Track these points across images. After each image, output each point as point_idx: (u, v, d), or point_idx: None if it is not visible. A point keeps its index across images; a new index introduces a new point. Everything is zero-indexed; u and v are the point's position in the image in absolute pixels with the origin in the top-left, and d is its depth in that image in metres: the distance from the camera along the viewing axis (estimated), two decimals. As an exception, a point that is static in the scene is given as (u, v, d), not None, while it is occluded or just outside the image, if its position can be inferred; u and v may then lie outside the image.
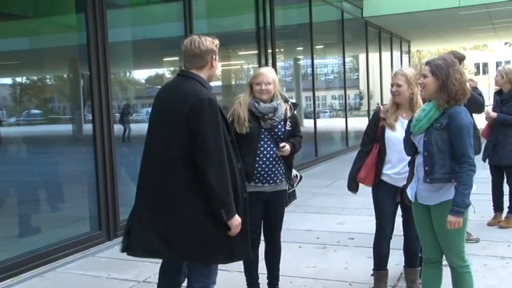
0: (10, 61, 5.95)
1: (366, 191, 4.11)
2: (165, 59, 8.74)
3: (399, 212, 4.03)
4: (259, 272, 4.05)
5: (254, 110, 3.78)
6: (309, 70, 12.52)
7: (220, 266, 3.33)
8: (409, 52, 23.01)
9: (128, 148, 7.12)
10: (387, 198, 3.94)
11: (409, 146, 3.45)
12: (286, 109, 3.87)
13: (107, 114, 5.97)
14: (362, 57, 16.83)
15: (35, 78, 6.52)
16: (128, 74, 7.99)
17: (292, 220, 6.05)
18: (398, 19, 15.28)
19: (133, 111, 7.59)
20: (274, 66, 9.84)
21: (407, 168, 3.63)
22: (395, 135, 3.81)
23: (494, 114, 5.84)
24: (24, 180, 5.79)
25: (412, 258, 4.11)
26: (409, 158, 3.57)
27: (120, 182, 6.20)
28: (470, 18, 15.78)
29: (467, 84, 3.36)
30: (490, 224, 6.08)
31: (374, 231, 4.08)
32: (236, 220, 3.00)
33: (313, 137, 12.09)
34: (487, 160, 6.02)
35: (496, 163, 5.98)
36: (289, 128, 3.87)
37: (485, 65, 55.08)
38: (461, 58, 5.01)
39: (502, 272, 4.63)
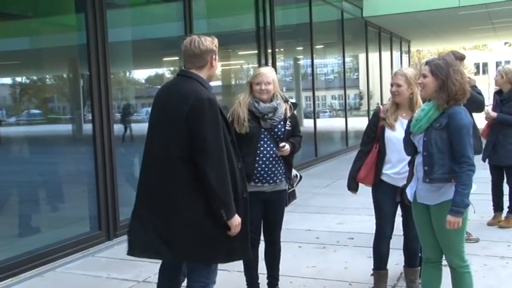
0: (10, 61, 5.94)
1: (365, 191, 4.11)
2: (165, 59, 8.74)
3: (399, 211, 4.03)
4: (259, 271, 4.05)
5: (254, 110, 3.78)
6: (309, 70, 12.52)
7: (220, 266, 3.33)
8: (409, 52, 23.01)
9: (128, 148, 7.11)
10: (387, 198, 3.94)
11: (409, 146, 3.45)
12: (286, 109, 3.87)
13: (107, 114, 5.98)
14: (362, 57, 16.83)
15: (34, 78, 6.52)
16: (127, 74, 7.99)
17: (292, 220, 6.05)
18: (398, 19, 15.28)
19: (133, 111, 7.59)
20: (274, 66, 9.83)
21: (407, 168, 3.64)
22: (395, 135, 3.81)
23: (494, 114, 5.84)
24: (24, 180, 5.79)
25: (411, 258, 4.12)
26: (408, 157, 3.57)
27: (120, 182, 6.21)
28: (470, 18, 15.78)
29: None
30: (489, 224, 6.09)
31: (374, 231, 4.08)
32: (236, 220, 3.00)
33: (313, 137, 12.09)
34: (487, 160, 6.02)
35: (496, 163, 5.98)
36: (289, 128, 3.87)
37: (485, 64, 55.09)
38: (461, 58, 5.02)
39: (501, 272, 4.63)
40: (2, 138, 5.73)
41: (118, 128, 6.61)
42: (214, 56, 3.13)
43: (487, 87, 36.17)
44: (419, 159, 3.32)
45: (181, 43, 3.14)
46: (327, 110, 15.08)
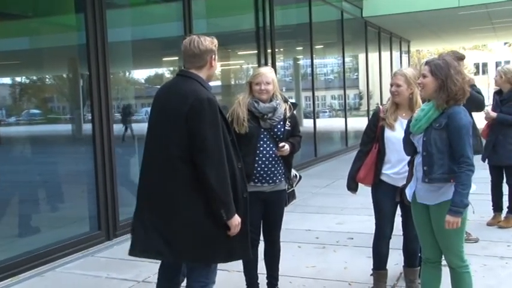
0: (10, 61, 5.94)
1: (365, 191, 4.11)
2: (164, 59, 8.74)
3: (399, 211, 4.03)
4: (258, 271, 4.05)
5: (253, 110, 3.78)
6: (309, 70, 12.52)
7: (219, 266, 3.33)
8: (408, 52, 23.02)
9: (128, 148, 7.11)
10: (386, 198, 3.94)
11: (409, 146, 3.45)
12: (285, 109, 3.87)
13: (106, 114, 5.97)
14: (361, 57, 16.83)
15: (34, 78, 6.52)
16: (127, 74, 7.99)
17: (292, 220, 6.05)
18: (397, 19, 15.28)
19: (133, 111, 7.59)
20: (273, 66, 9.84)
21: (406, 168, 3.63)
22: (394, 135, 3.81)
23: (494, 114, 5.84)
24: (24, 180, 5.78)
25: (411, 258, 4.11)
26: (408, 157, 3.57)
27: (120, 182, 6.21)
28: (469, 18, 15.79)
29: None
30: (489, 224, 6.09)
31: (373, 231, 4.08)
32: (236, 220, 3.00)
33: (313, 137, 12.10)
34: (487, 160, 6.02)
35: (496, 163, 5.98)
36: (289, 128, 3.87)
37: (484, 65, 55.11)
38: (460, 58, 5.02)
39: (501, 272, 4.63)
40: (2, 138, 5.72)
41: (118, 128, 6.61)
42: (213, 56, 3.13)
43: (487, 87, 36.20)
44: (418, 159, 3.32)
45: (181, 43, 3.14)
46: (327, 110, 15.08)
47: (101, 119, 5.93)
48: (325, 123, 14.16)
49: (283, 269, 4.17)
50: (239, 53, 10.84)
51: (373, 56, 17.31)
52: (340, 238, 5.81)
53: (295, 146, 3.90)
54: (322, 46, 13.91)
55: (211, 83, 3.27)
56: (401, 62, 20.92)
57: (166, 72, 8.72)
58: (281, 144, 3.78)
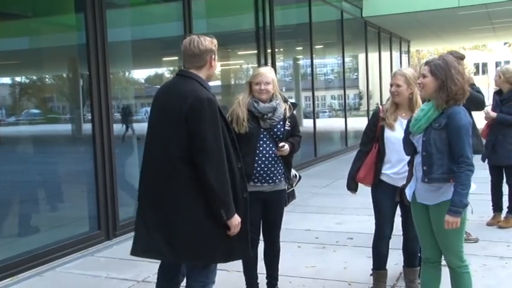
0: (10, 61, 5.94)
1: (365, 191, 4.11)
2: (164, 59, 8.74)
3: (398, 211, 4.03)
4: (258, 271, 4.05)
5: (253, 110, 3.78)
6: (309, 70, 12.52)
7: (219, 266, 3.33)
8: (408, 52, 23.02)
9: (128, 148, 7.11)
10: (386, 198, 3.94)
11: (408, 146, 3.45)
12: (285, 109, 3.87)
13: (106, 114, 5.97)
14: (361, 57, 16.83)
15: (34, 77, 6.52)
16: (127, 74, 7.99)
17: (292, 220, 6.05)
18: (397, 19, 15.28)
19: (133, 110, 7.59)
20: (273, 66, 9.84)
21: (406, 168, 3.63)
22: (394, 135, 3.81)
23: (493, 114, 5.84)
24: (24, 180, 5.78)
25: (411, 258, 4.11)
26: (408, 157, 3.57)
27: (120, 182, 6.21)
28: (469, 18, 15.79)
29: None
30: (489, 224, 6.09)
31: (373, 231, 4.08)
32: (236, 220, 3.00)
33: (313, 137, 12.10)
34: (486, 160, 6.02)
35: (496, 163, 5.98)
36: (289, 128, 3.87)
37: (484, 65, 55.15)
38: (460, 58, 5.02)
39: (501, 272, 4.63)
40: (2, 138, 5.72)
41: (118, 128, 6.61)
42: (213, 56, 3.13)
43: (487, 87, 36.20)
44: (418, 159, 3.32)
45: (182, 43, 3.14)
46: (327, 110, 15.09)
47: (101, 119, 5.93)
48: (325, 123, 14.17)
49: (282, 269, 4.17)
50: (239, 53, 10.84)
51: (373, 56, 17.31)
52: (340, 238, 5.81)
53: (295, 146, 3.90)
54: (322, 46, 13.91)
55: (211, 83, 3.27)
56: (401, 62, 20.93)
57: (166, 72, 8.72)
58: (281, 144, 3.78)
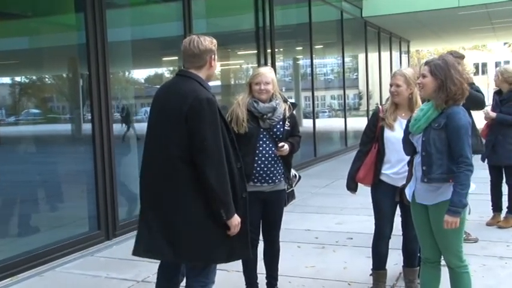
0: (9, 60, 5.94)
1: (364, 191, 4.11)
2: (164, 59, 8.74)
3: (398, 211, 4.04)
4: (258, 271, 4.05)
5: (253, 110, 3.78)
6: (308, 70, 12.52)
7: (219, 266, 3.33)
8: (408, 52, 23.02)
9: (128, 148, 7.11)
10: (386, 198, 3.94)
11: (408, 146, 3.46)
12: (285, 109, 3.87)
13: (106, 114, 5.97)
14: (361, 57, 16.83)
15: (34, 77, 6.52)
16: (127, 74, 7.99)
17: (291, 220, 6.06)
18: (397, 19, 15.28)
19: (133, 110, 7.59)
20: (273, 66, 9.84)
21: (406, 168, 3.64)
22: (394, 135, 3.81)
23: (493, 114, 5.84)
24: (23, 180, 5.78)
25: (410, 258, 4.12)
26: (408, 157, 3.57)
27: (119, 182, 6.20)
28: (469, 18, 15.79)
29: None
30: (488, 224, 6.09)
31: (373, 231, 4.08)
32: (235, 220, 3.00)
33: (312, 137, 12.10)
34: (486, 160, 6.02)
35: (495, 163, 5.98)
36: (288, 128, 3.87)
37: (484, 65, 55.17)
38: (460, 57, 5.02)
39: (500, 272, 4.63)
40: (2, 138, 5.72)
41: (117, 127, 6.61)
42: (213, 56, 3.13)
43: (486, 87, 36.21)
44: (417, 159, 3.32)
45: (182, 43, 3.14)
46: (326, 110, 15.09)
47: (101, 119, 5.93)
48: (324, 123, 14.17)
49: (282, 269, 4.17)
50: (239, 53, 10.84)
51: (373, 56, 17.31)
52: (340, 238, 5.82)
53: (295, 146, 3.90)
54: (321, 46, 13.91)
55: (211, 83, 3.27)
56: (400, 62, 20.93)
57: (166, 72, 8.72)
58: (280, 144, 3.78)
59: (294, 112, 4.00)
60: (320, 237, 5.90)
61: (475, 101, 5.00)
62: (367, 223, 5.30)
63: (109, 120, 6.02)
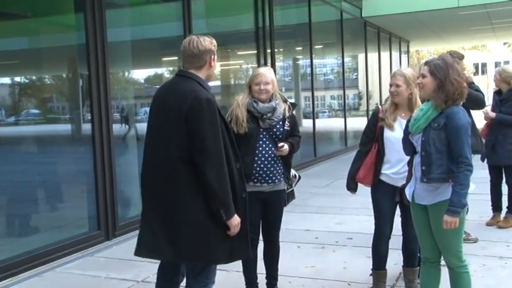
0: (9, 61, 5.94)
1: (364, 191, 4.11)
2: (164, 59, 8.74)
3: (398, 211, 4.04)
4: (258, 271, 4.05)
5: (253, 110, 3.78)
6: (308, 70, 12.52)
7: (219, 266, 3.33)
8: (408, 52, 23.03)
9: (127, 148, 7.11)
10: (386, 198, 3.94)
11: (408, 146, 3.46)
12: (284, 109, 3.87)
13: (106, 114, 5.98)
14: (361, 57, 16.83)
15: (34, 77, 6.52)
16: (126, 74, 7.99)
17: (291, 220, 6.06)
18: (397, 19, 15.29)
19: (133, 111, 7.59)
20: (273, 66, 9.84)
21: (406, 168, 3.64)
22: (394, 135, 3.81)
23: (493, 114, 5.84)
24: (23, 180, 5.78)
25: (410, 258, 4.12)
26: (407, 157, 3.57)
27: (119, 182, 6.20)
28: (469, 19, 15.80)
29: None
30: (488, 224, 6.09)
31: (373, 231, 4.08)
32: (235, 220, 3.00)
33: (312, 137, 12.10)
34: (486, 160, 6.03)
35: (495, 163, 5.99)
36: (288, 128, 3.87)
37: (484, 65, 55.20)
38: (460, 58, 5.02)
39: (500, 272, 4.63)
40: (2, 138, 5.72)
41: (117, 127, 6.61)
42: (213, 56, 3.13)
43: (486, 87, 36.22)
44: (417, 159, 3.32)
45: (181, 43, 3.14)
46: (326, 110, 15.08)
47: (101, 119, 5.93)
48: (324, 123, 14.17)
49: (282, 269, 4.17)
50: (239, 53, 10.84)
51: (373, 56, 17.31)
52: (340, 238, 5.82)
53: (295, 146, 3.90)
54: (321, 46, 13.91)
55: (211, 83, 3.27)
56: (400, 62, 20.93)
57: (165, 72, 8.72)
58: (280, 144, 3.78)
59: (294, 112, 4.00)
60: (320, 237, 5.90)
61: (475, 101, 5.00)
62: (367, 223, 5.30)
63: (109, 121, 6.02)
